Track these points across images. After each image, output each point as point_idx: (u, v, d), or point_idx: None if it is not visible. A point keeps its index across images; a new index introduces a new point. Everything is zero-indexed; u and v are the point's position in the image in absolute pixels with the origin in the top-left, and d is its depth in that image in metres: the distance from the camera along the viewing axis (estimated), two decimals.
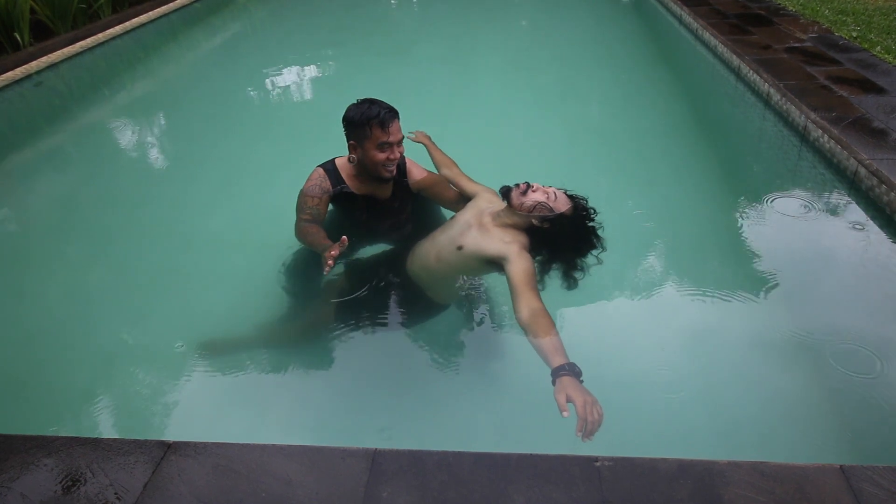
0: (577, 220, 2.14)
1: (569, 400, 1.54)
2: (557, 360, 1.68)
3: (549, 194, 2.12)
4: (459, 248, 2.16)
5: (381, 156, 2.30)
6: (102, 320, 2.72)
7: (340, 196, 2.43)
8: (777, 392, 2.28)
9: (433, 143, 2.76)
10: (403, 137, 2.36)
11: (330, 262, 2.03)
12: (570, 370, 1.64)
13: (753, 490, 1.52)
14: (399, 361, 2.46)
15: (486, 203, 2.29)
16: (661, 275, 2.93)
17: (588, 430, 1.48)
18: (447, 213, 2.72)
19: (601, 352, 2.30)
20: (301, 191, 2.42)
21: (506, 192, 2.18)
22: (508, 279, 1.98)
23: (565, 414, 1.51)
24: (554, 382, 1.63)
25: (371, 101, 2.30)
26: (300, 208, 2.41)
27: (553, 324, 1.82)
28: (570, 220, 2.12)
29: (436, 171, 2.65)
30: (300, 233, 2.40)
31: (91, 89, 5.89)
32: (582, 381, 1.63)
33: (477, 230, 2.18)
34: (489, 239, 2.12)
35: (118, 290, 2.90)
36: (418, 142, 2.77)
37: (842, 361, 2.34)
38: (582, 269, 2.16)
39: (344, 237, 2.06)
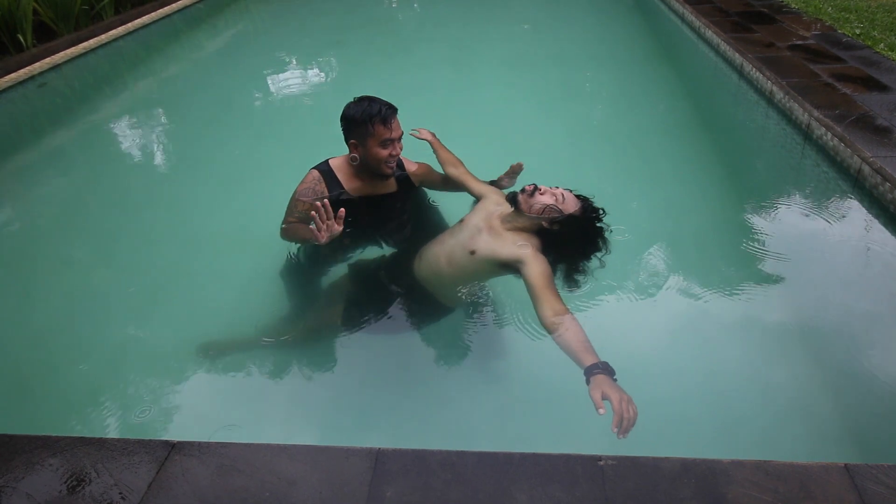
0: (587, 220, 2.13)
1: (604, 397, 1.54)
2: (589, 359, 1.69)
3: (556, 196, 2.12)
4: (472, 252, 2.15)
5: (384, 153, 2.30)
6: (106, 321, 2.72)
7: (338, 203, 2.40)
8: (780, 390, 2.28)
9: (439, 141, 2.74)
10: (403, 133, 2.36)
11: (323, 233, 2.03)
12: (603, 369, 1.65)
13: (757, 489, 1.52)
14: (402, 361, 2.46)
15: (494, 205, 2.28)
16: (663, 274, 2.92)
17: (624, 426, 1.49)
18: (447, 214, 2.72)
19: (603, 351, 2.29)
20: (294, 193, 2.40)
21: (513, 197, 2.18)
22: (527, 282, 1.97)
23: (601, 411, 1.51)
24: (588, 381, 1.63)
25: (370, 99, 2.30)
26: (290, 210, 2.38)
27: (578, 323, 1.82)
28: (579, 221, 2.12)
29: (440, 169, 2.66)
30: (286, 232, 2.37)
31: (94, 90, 5.90)
32: (616, 380, 1.63)
33: (488, 234, 2.17)
34: (502, 242, 2.12)
35: (122, 290, 2.91)
36: (423, 139, 2.76)
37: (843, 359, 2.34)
38: (585, 273, 2.16)
39: (342, 209, 2.05)
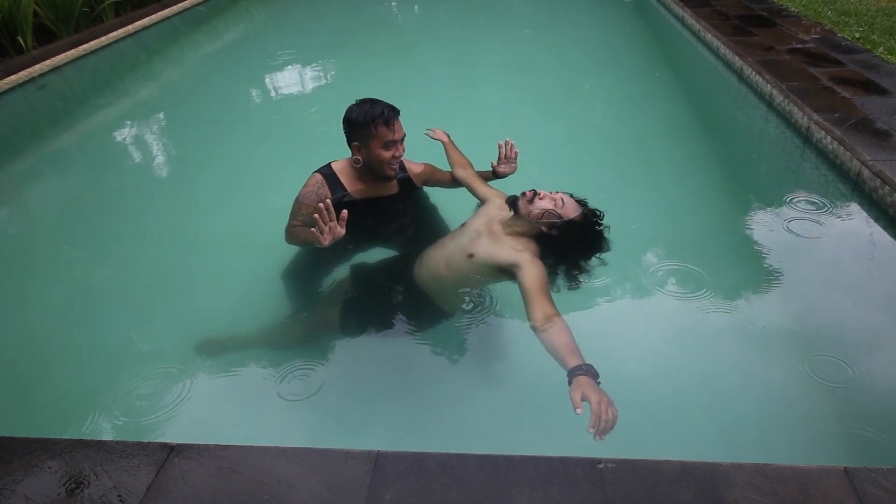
0: (587, 225, 2.13)
1: (584, 398, 1.54)
2: (574, 361, 1.69)
3: (556, 201, 2.12)
4: (470, 256, 2.15)
5: (387, 154, 2.31)
6: (106, 322, 2.72)
7: (341, 206, 2.41)
8: (780, 394, 2.28)
9: (452, 142, 2.77)
10: (405, 135, 2.37)
11: (326, 234, 2.03)
12: (586, 371, 1.64)
13: (756, 492, 1.51)
14: (401, 363, 2.46)
15: (496, 210, 2.29)
16: (663, 277, 2.93)
17: (601, 427, 1.48)
18: (449, 217, 2.73)
19: (602, 353, 2.29)
20: (297, 196, 2.40)
21: (513, 202, 2.18)
22: (521, 286, 1.98)
23: (579, 411, 1.50)
24: (570, 382, 1.63)
25: (372, 101, 2.31)
26: (294, 214, 2.38)
27: (568, 327, 1.82)
28: (579, 226, 2.12)
29: (449, 169, 2.68)
30: (290, 235, 2.38)
31: (94, 92, 5.91)
32: (599, 383, 1.63)
33: (487, 238, 2.17)
34: (500, 247, 2.12)
35: (122, 292, 2.91)
36: (437, 139, 2.77)
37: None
38: (586, 272, 2.16)
39: (344, 212, 2.05)
